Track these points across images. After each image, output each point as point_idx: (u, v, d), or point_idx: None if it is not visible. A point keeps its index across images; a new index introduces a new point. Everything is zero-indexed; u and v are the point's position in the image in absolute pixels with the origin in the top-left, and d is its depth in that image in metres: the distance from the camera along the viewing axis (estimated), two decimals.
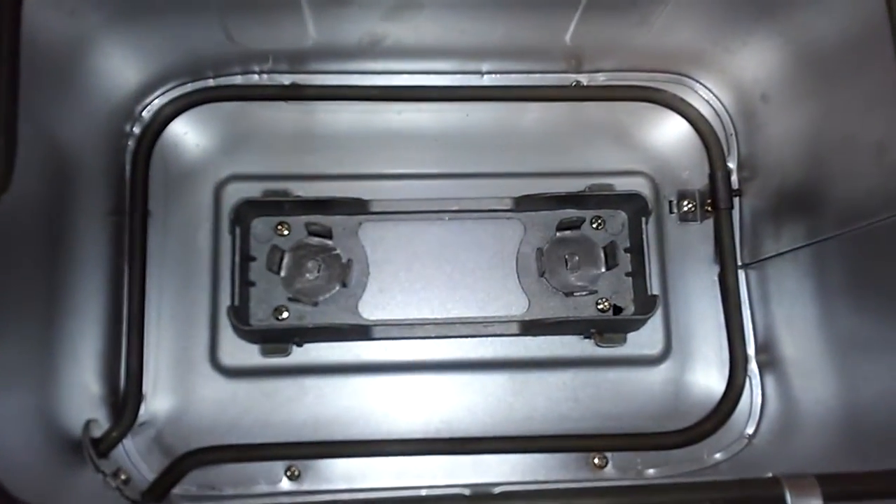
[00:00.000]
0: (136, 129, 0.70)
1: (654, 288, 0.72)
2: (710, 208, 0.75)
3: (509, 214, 0.74)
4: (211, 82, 0.72)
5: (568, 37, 0.70)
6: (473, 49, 0.72)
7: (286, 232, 0.72)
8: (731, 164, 0.75)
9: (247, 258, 0.70)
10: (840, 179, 0.62)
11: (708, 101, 0.76)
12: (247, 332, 0.68)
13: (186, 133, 0.72)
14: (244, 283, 0.69)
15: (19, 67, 0.49)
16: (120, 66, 0.65)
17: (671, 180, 0.76)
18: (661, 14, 0.68)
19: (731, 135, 0.76)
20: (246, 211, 0.69)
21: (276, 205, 0.70)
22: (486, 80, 0.76)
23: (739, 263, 0.74)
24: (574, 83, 0.75)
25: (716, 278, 0.74)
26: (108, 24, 0.61)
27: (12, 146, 0.48)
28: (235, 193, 0.72)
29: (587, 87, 0.75)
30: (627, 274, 0.73)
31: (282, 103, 0.73)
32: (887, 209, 0.55)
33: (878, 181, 0.56)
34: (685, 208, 0.76)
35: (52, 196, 0.60)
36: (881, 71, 0.50)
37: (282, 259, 0.71)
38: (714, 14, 0.67)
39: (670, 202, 0.76)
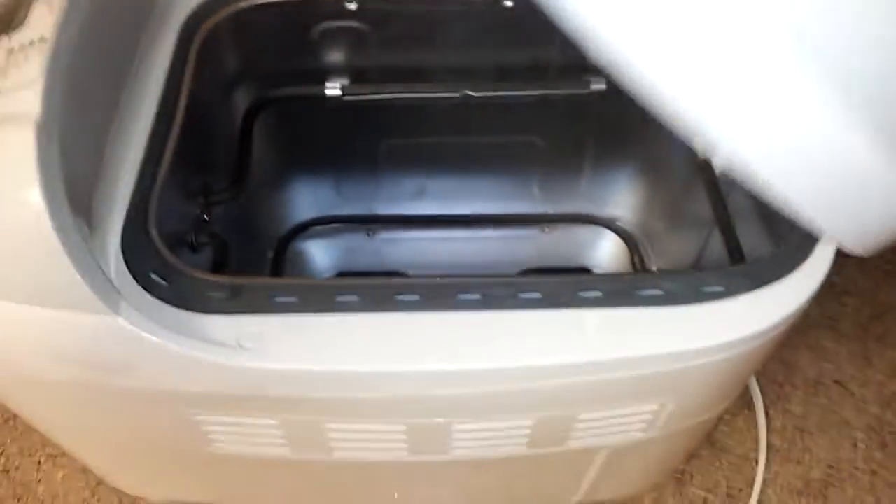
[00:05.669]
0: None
1: None
2: None
3: None
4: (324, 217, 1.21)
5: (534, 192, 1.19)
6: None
7: None
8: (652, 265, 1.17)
9: None
10: None
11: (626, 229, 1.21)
12: None
13: (302, 250, 1.19)
14: None
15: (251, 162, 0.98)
16: (286, 197, 1.16)
17: None
18: None
19: (647, 248, 1.19)
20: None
21: None
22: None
23: None
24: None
25: None
26: (293, 172, 1.14)
27: (247, 172, 0.95)
28: None
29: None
30: None
31: (364, 236, 1.21)
32: None
33: None
34: None
35: None
36: None
37: None
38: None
39: None
